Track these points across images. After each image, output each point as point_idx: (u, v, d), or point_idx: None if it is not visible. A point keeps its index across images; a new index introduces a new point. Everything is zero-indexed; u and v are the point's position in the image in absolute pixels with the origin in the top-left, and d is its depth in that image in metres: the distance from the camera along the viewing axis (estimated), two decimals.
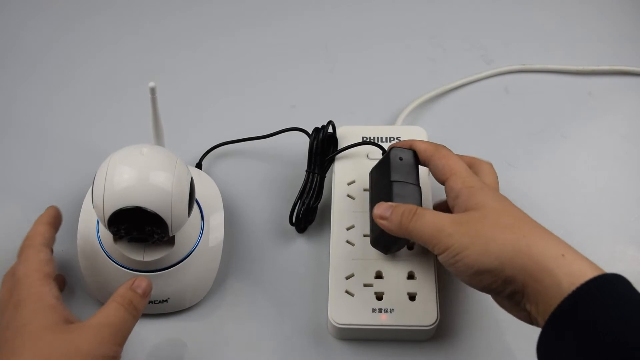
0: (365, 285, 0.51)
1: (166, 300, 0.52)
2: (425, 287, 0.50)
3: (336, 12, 0.75)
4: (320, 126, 0.57)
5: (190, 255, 0.51)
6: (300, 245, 0.57)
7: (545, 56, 0.70)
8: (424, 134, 0.59)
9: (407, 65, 0.70)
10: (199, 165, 0.61)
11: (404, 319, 0.49)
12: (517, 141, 0.63)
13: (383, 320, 0.49)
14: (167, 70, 0.70)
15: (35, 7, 0.76)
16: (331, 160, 0.58)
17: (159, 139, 0.54)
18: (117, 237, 0.49)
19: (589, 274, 0.38)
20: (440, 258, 0.44)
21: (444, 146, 0.50)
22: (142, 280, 0.46)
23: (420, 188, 0.49)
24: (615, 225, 0.58)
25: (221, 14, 0.75)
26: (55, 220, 0.51)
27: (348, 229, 0.54)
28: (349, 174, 0.57)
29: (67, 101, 0.68)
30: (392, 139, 0.58)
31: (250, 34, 0.73)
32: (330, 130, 0.58)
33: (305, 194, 0.56)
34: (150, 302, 0.51)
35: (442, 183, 0.48)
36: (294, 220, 0.56)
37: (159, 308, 0.52)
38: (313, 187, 0.56)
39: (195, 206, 0.51)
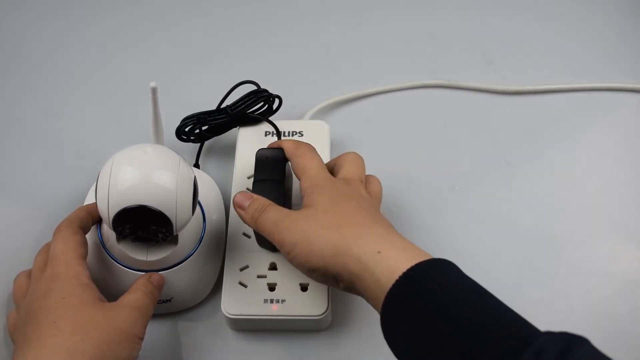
0: (258, 276, 0.52)
1: (169, 300, 0.52)
2: None
3: (336, 11, 0.75)
4: (270, 94, 0.60)
5: (193, 255, 0.51)
6: None
7: (547, 56, 0.70)
8: (327, 128, 0.60)
9: (407, 65, 0.70)
10: (196, 165, 0.61)
11: (294, 309, 0.50)
12: (517, 141, 0.64)
13: (274, 310, 0.50)
14: (168, 71, 0.70)
15: (36, 10, 0.75)
16: (241, 119, 0.60)
17: (159, 139, 0.54)
18: (122, 237, 0.48)
19: (403, 268, 0.39)
20: (282, 253, 0.46)
21: (304, 144, 0.51)
22: (156, 275, 0.50)
23: (281, 182, 0.51)
24: (615, 225, 0.58)
25: (220, 11, 0.75)
26: (96, 211, 0.51)
27: None
28: (249, 168, 0.57)
29: (67, 102, 0.68)
30: (294, 133, 0.59)
31: (249, 33, 0.73)
32: (276, 103, 0.60)
33: (201, 117, 0.59)
34: None
35: (298, 178, 0.50)
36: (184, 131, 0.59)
37: (162, 308, 0.52)
38: (213, 118, 0.59)
39: (197, 206, 0.51)
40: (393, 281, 0.39)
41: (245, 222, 0.48)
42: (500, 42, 0.71)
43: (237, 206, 0.48)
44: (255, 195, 0.48)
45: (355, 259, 0.41)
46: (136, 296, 0.47)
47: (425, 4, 0.75)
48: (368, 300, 0.42)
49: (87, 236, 0.52)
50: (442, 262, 0.41)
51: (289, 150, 0.52)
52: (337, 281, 0.43)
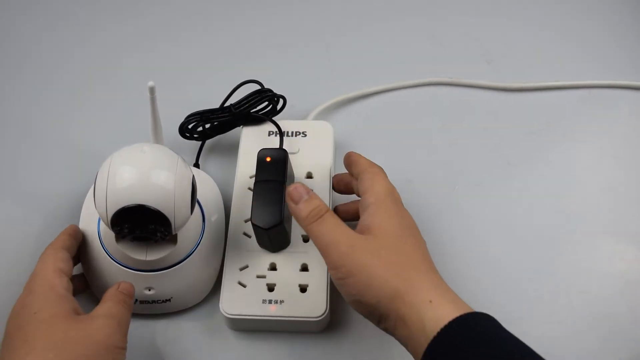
0: (258, 276, 0.52)
1: (169, 300, 0.52)
2: (317, 280, 0.51)
3: (335, 9, 0.75)
4: (274, 93, 0.60)
5: (192, 254, 0.51)
6: None
7: (546, 56, 0.70)
8: (330, 128, 0.60)
9: (408, 65, 0.70)
10: (196, 165, 0.61)
11: (292, 310, 0.50)
12: (517, 140, 0.64)
13: (272, 311, 0.50)
14: (169, 71, 0.70)
15: (37, 11, 0.75)
16: (245, 118, 0.60)
17: (158, 138, 0.55)
18: (120, 236, 0.48)
19: (450, 318, 0.40)
20: (330, 272, 0.45)
21: (376, 166, 0.50)
22: (125, 283, 0.49)
23: (283, 183, 0.51)
24: (615, 225, 0.58)
25: (220, 11, 0.75)
26: (75, 233, 0.52)
27: (246, 221, 0.54)
28: (251, 168, 0.56)
29: (67, 102, 0.68)
30: (297, 133, 0.59)
31: (249, 33, 0.73)
32: (280, 103, 0.60)
33: (205, 114, 0.59)
34: (154, 301, 0.51)
35: (359, 195, 0.49)
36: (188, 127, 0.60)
37: (161, 308, 0.52)
38: (217, 116, 0.60)
39: (196, 205, 0.51)
40: (438, 329, 0.40)
41: (294, 215, 0.47)
42: (500, 42, 0.71)
43: (292, 200, 0.46)
44: (312, 193, 0.46)
45: (409, 304, 0.41)
46: (108, 305, 0.46)
47: (426, 4, 0.75)
48: (407, 344, 0.42)
49: (87, 236, 0.52)
50: (483, 315, 0.41)
51: (362, 165, 0.50)
52: (380, 320, 0.43)
